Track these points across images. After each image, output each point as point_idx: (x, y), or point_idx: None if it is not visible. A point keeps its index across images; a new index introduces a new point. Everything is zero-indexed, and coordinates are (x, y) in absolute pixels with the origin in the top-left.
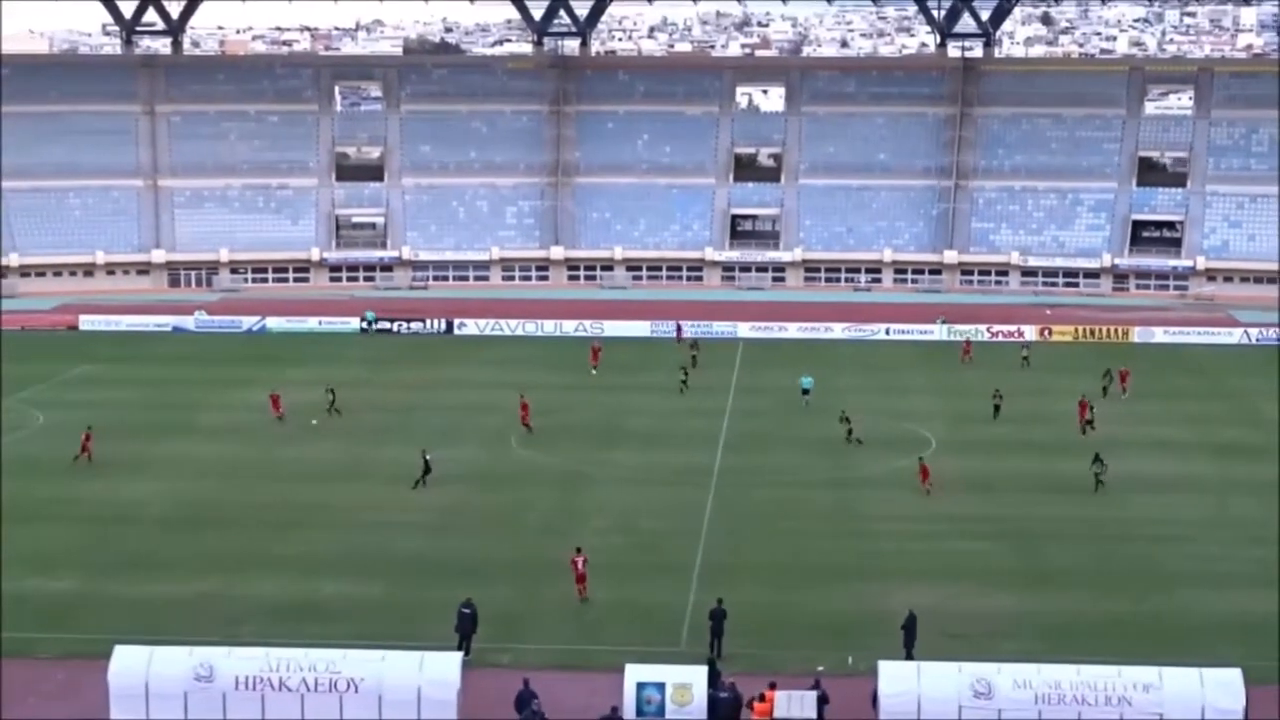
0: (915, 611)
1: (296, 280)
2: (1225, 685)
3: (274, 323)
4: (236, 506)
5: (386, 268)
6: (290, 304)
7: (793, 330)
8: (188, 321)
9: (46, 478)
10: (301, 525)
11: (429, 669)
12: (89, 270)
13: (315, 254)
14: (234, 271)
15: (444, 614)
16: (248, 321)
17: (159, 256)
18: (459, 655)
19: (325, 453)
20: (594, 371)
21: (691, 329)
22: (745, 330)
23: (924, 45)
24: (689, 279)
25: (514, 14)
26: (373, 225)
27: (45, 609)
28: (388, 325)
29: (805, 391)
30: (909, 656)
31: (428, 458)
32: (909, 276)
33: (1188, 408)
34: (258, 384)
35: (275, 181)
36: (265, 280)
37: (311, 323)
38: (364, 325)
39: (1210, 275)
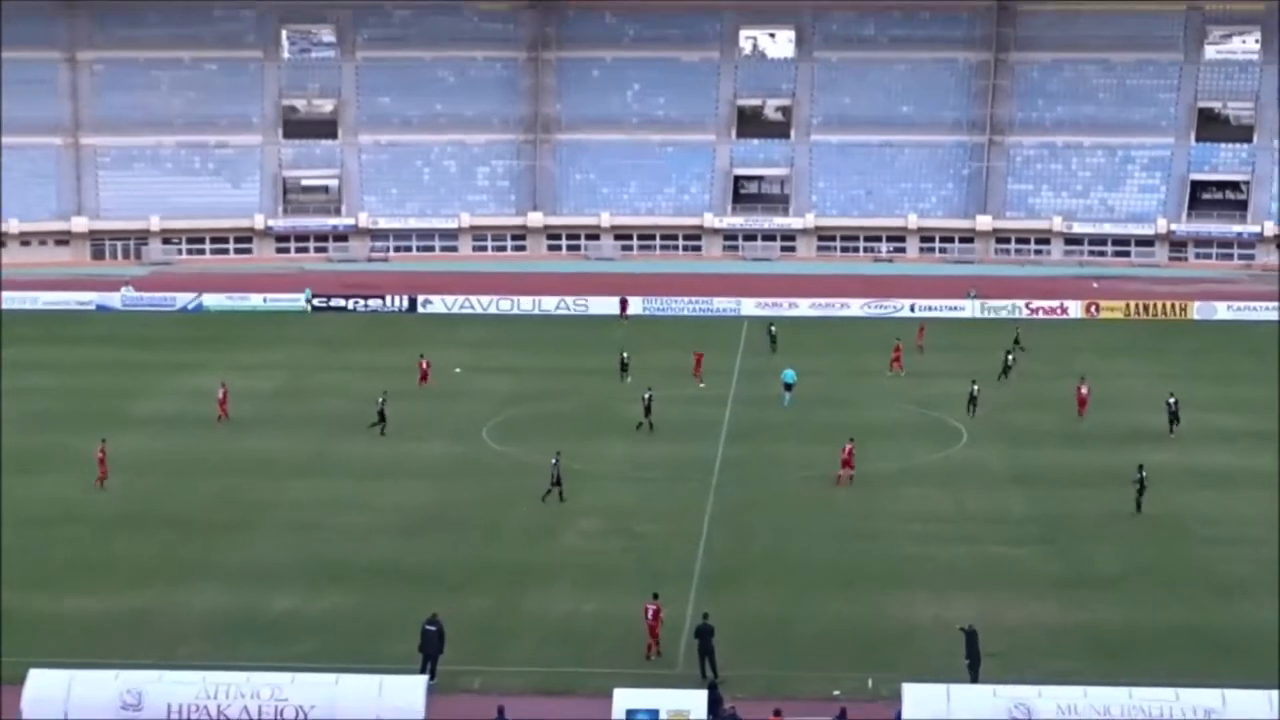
0: (973, 626)
1: (238, 251)
2: None
3: (212, 300)
4: (174, 508)
5: (341, 237)
6: (231, 278)
7: (804, 307)
8: (114, 299)
9: None
10: (247, 528)
11: (389, 695)
12: (0, 240)
13: (259, 221)
14: (166, 242)
15: (408, 630)
16: (182, 299)
17: (81, 225)
18: (423, 679)
19: (275, 446)
20: (701, 385)
21: (764, 307)
22: (750, 307)
23: None
24: (686, 249)
25: None
26: (325, 189)
27: None
28: (342, 302)
29: (788, 387)
30: (975, 680)
31: (555, 466)
32: (937, 245)
33: (1253, 393)
34: (195, 369)
35: (214, 139)
36: (202, 252)
37: (255, 299)
38: (306, 302)
39: None
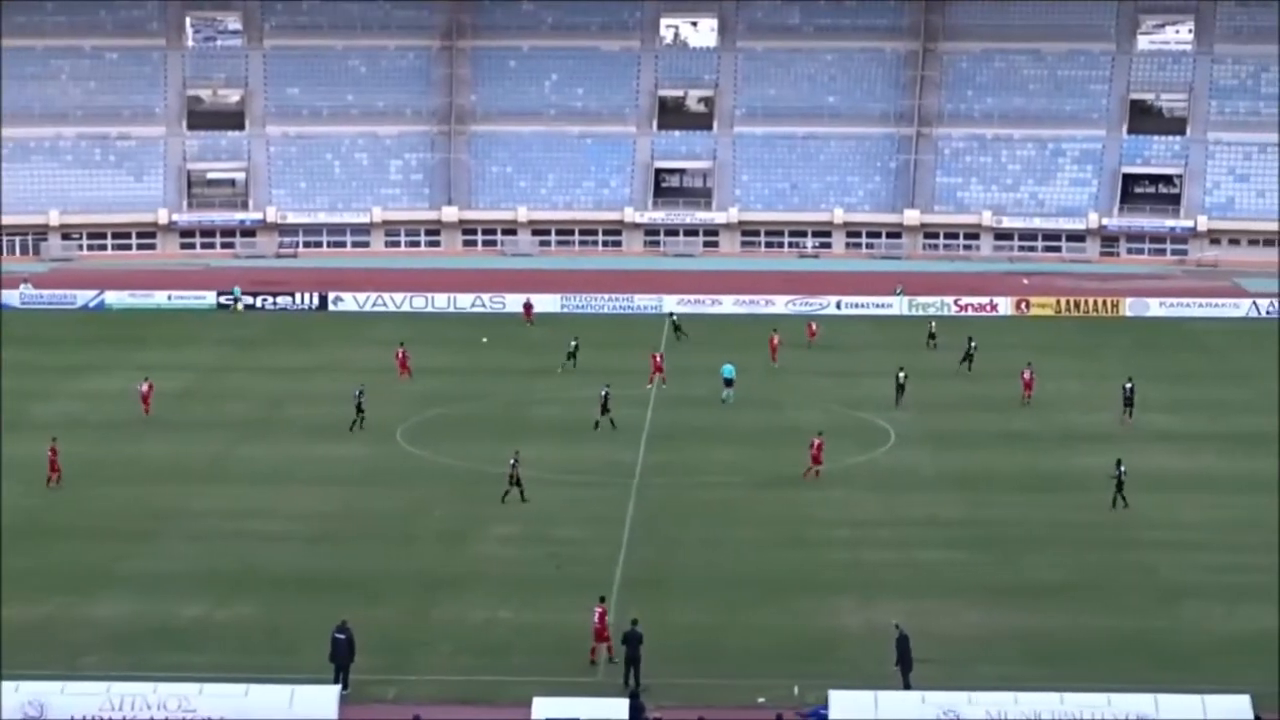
0: (905, 630)
1: (141, 247)
2: (1232, 713)
3: (114, 297)
4: (78, 515)
5: (248, 232)
6: (134, 275)
7: (728, 304)
8: (12, 296)
9: None
10: (154, 536)
11: (301, 705)
12: None
13: (163, 216)
14: (66, 237)
15: (319, 640)
16: (83, 296)
17: None
18: (336, 689)
19: (182, 451)
20: (651, 386)
21: (686, 304)
22: (672, 304)
23: None
24: (606, 244)
25: None
26: (231, 182)
27: None
28: (250, 300)
29: (728, 382)
30: (907, 686)
31: (513, 465)
32: (863, 241)
33: (1189, 392)
34: (98, 370)
35: (115, 130)
36: (104, 247)
37: (159, 297)
38: (231, 301)
39: (1213, 238)
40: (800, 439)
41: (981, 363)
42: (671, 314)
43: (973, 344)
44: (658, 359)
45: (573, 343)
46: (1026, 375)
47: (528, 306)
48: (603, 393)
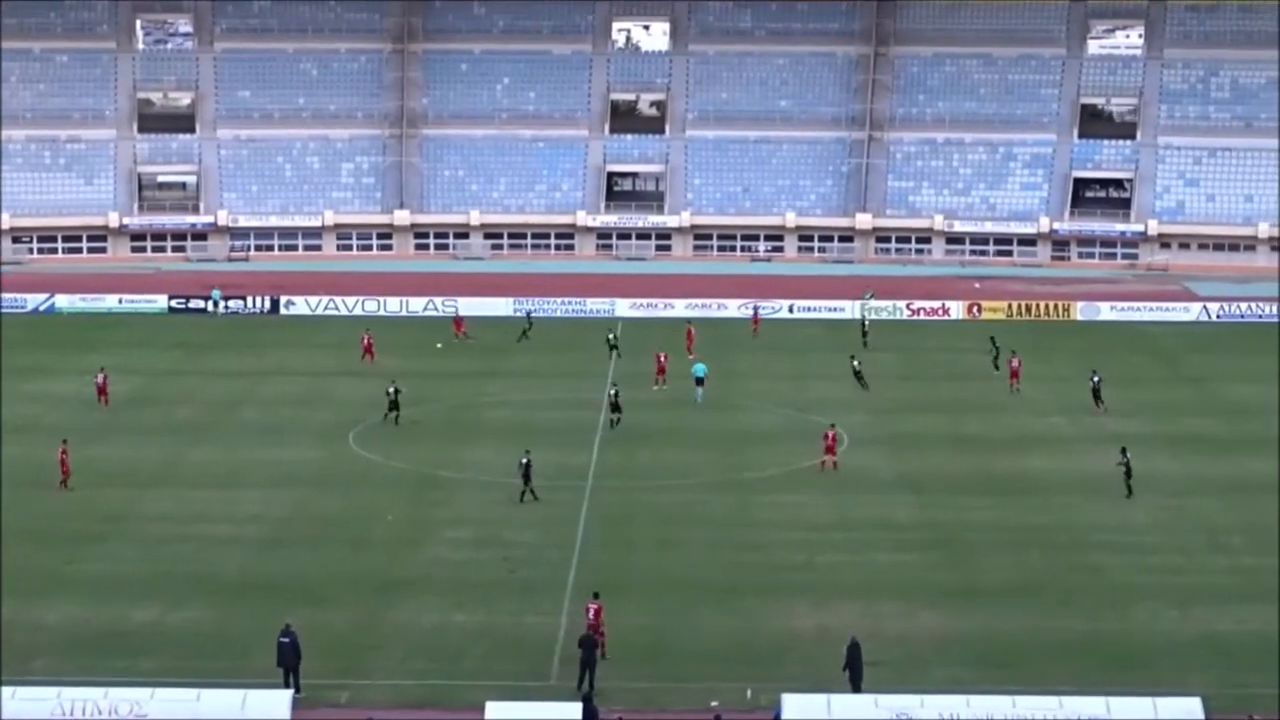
0: (857, 638)
1: (91, 250)
2: (1183, 715)
3: (65, 301)
4: (27, 517)
5: (199, 235)
6: (85, 278)
7: (680, 308)
8: None
9: None
10: (105, 539)
11: (253, 709)
12: None
13: (114, 219)
14: (16, 240)
15: (271, 644)
16: (34, 300)
17: None
18: (289, 693)
19: (133, 454)
20: (656, 387)
21: (639, 308)
22: (624, 308)
23: None
24: (558, 248)
25: None
26: (182, 185)
27: None
28: (201, 304)
29: (699, 381)
30: (857, 692)
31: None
32: (815, 244)
33: (1140, 395)
34: (48, 373)
35: (65, 133)
36: (54, 251)
37: (110, 301)
38: (213, 304)
39: (1163, 242)
40: (754, 442)
41: (930, 366)
42: (528, 312)
43: (996, 344)
44: (662, 359)
45: (611, 335)
46: (1014, 363)
47: (458, 321)
48: (611, 392)
